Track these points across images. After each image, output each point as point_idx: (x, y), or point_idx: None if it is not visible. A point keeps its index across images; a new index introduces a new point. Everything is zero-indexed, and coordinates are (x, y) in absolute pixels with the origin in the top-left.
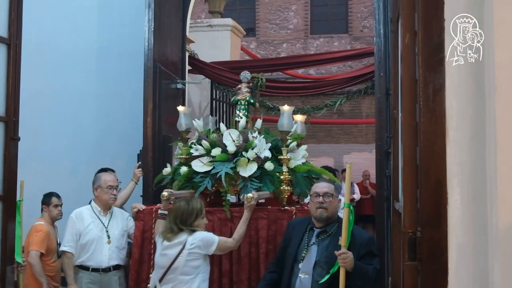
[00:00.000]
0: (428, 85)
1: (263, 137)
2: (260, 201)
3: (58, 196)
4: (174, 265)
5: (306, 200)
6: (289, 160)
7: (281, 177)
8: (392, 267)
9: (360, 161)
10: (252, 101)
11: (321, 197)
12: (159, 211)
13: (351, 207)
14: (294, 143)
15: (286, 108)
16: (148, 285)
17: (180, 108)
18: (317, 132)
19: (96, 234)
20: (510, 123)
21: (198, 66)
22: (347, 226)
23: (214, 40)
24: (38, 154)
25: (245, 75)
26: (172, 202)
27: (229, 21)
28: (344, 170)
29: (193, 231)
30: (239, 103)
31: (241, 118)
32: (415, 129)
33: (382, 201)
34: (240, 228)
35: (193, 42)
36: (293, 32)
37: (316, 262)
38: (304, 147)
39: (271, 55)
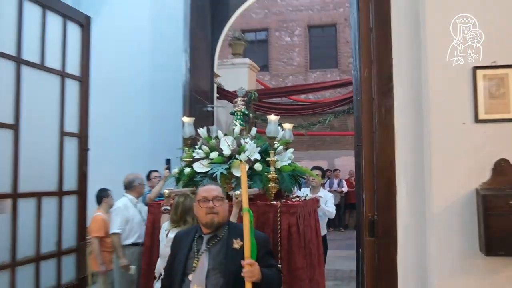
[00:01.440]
0: (381, 106)
1: (254, 142)
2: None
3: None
4: None
5: (301, 193)
6: (276, 162)
7: (269, 176)
8: (361, 241)
9: (347, 163)
10: (246, 112)
11: (210, 201)
12: (163, 207)
13: (251, 212)
14: (281, 147)
15: (273, 117)
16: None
17: (185, 119)
18: (315, 142)
19: (138, 218)
20: (441, 135)
21: (224, 94)
22: (249, 234)
23: (236, 75)
24: (103, 161)
25: (241, 90)
26: (172, 198)
27: (247, 60)
28: (335, 170)
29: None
30: (235, 114)
31: (237, 126)
32: (372, 139)
33: (359, 193)
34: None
35: (219, 76)
36: (297, 68)
37: (209, 270)
38: (290, 150)
39: (280, 85)
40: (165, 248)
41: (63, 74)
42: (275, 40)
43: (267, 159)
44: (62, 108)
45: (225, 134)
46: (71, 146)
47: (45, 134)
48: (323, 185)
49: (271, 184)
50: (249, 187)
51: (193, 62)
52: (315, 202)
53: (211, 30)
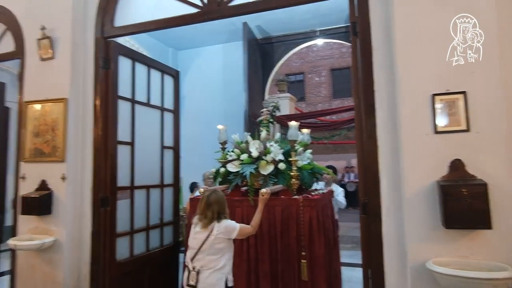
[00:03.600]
0: (368, 123)
1: (278, 145)
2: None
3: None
4: (203, 247)
5: (319, 186)
6: (296, 161)
7: (291, 174)
8: None
9: None
10: (271, 120)
11: None
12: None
13: None
14: (301, 149)
15: (293, 123)
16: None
17: (219, 127)
18: (337, 148)
19: None
20: (410, 143)
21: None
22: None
23: (281, 104)
24: (191, 164)
25: (267, 103)
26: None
27: (288, 94)
28: (352, 167)
29: (222, 219)
30: (262, 122)
31: (263, 132)
32: (362, 146)
33: None
34: (256, 217)
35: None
36: (324, 98)
37: None
38: (309, 151)
39: (312, 110)
40: (192, 240)
41: (162, 109)
42: (308, 80)
43: (289, 159)
44: (162, 130)
45: (253, 138)
46: (168, 155)
47: (151, 148)
48: (341, 178)
49: (293, 181)
50: (275, 184)
51: (250, 97)
52: (330, 194)
53: (262, 75)
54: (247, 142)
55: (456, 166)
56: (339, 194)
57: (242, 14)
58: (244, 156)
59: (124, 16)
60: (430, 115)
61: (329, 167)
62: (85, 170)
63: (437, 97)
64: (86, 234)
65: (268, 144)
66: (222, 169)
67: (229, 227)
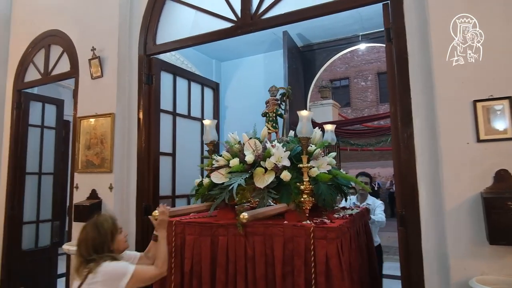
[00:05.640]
0: (404, 132)
1: (282, 145)
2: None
3: None
4: None
5: (348, 203)
6: (310, 169)
7: (301, 187)
8: None
9: None
10: (279, 112)
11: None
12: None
13: None
14: (318, 151)
15: (304, 113)
16: None
17: (206, 122)
18: (384, 154)
19: None
20: (449, 152)
21: (314, 124)
22: None
23: (324, 111)
24: None
25: (272, 89)
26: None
27: (331, 101)
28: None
29: (103, 260)
30: (267, 115)
31: (269, 129)
32: (400, 155)
33: None
34: (160, 250)
35: (311, 113)
36: (370, 103)
37: None
38: (332, 154)
39: (358, 116)
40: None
41: (202, 120)
42: (354, 85)
43: (298, 165)
44: (202, 142)
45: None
46: None
47: (191, 158)
48: (389, 186)
49: (305, 197)
50: (277, 201)
51: (292, 105)
52: (365, 214)
53: (304, 82)
54: (242, 143)
55: (502, 176)
56: (377, 208)
57: (274, 26)
58: (234, 162)
59: (165, 34)
60: (471, 122)
61: (362, 174)
62: (130, 180)
63: (478, 104)
64: (131, 240)
65: (268, 144)
66: (206, 180)
67: (113, 272)
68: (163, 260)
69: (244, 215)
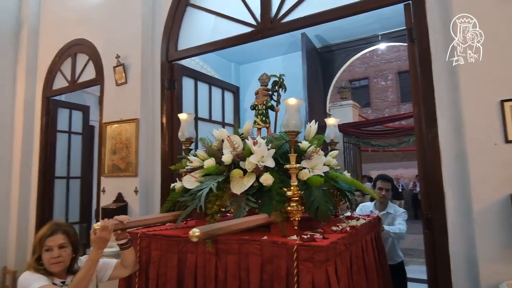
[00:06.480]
0: (428, 133)
1: (266, 142)
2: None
3: None
4: None
5: (358, 212)
6: (299, 170)
7: (287, 193)
8: None
9: None
10: (269, 104)
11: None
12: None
13: None
14: (312, 148)
15: (291, 101)
16: None
17: (182, 116)
18: (406, 155)
19: None
20: (476, 153)
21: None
22: None
23: (343, 112)
24: None
25: (263, 77)
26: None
27: (350, 101)
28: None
29: (29, 268)
30: (256, 108)
31: (258, 124)
32: (424, 156)
33: None
34: (79, 272)
35: (330, 114)
36: (391, 103)
37: None
38: (334, 153)
39: (379, 117)
40: None
41: (223, 123)
42: (374, 85)
43: (285, 166)
44: None
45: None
46: None
47: None
48: (412, 187)
49: (293, 206)
50: (255, 210)
51: (311, 106)
52: (376, 224)
53: (323, 83)
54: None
55: None
56: (398, 217)
57: (294, 30)
58: (208, 162)
59: (186, 40)
60: (499, 123)
61: (382, 178)
62: (154, 184)
63: (506, 103)
64: None
65: (249, 141)
66: (179, 185)
67: (19, 285)
68: (76, 283)
69: (195, 231)
